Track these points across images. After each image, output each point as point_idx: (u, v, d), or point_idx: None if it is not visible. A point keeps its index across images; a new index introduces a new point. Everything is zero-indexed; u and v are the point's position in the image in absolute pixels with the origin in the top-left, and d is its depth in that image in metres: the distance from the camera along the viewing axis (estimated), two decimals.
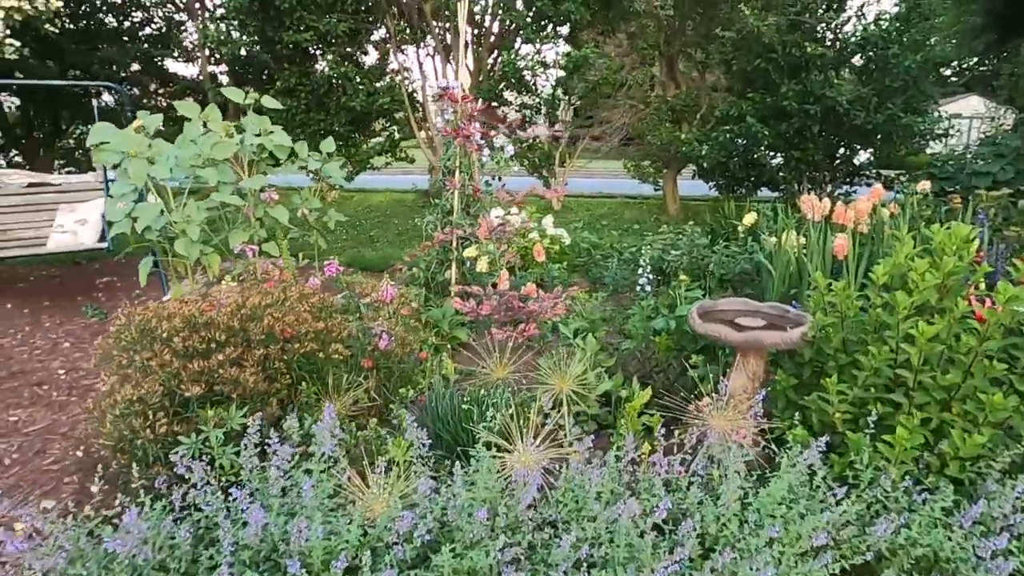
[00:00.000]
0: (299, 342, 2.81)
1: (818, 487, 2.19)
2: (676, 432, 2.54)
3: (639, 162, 10.15)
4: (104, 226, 5.15)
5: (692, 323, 2.89)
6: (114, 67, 11.00)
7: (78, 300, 5.45)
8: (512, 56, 9.12)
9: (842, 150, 8.99)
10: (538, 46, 9.54)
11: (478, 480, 2.06)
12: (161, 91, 12.27)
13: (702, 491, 2.19)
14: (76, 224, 4.93)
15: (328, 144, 4.68)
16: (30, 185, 5.34)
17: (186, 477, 1.96)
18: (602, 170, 14.45)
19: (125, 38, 11.65)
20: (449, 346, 4.29)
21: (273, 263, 4.17)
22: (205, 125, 3.84)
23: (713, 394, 2.72)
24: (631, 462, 2.29)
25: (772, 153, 9.12)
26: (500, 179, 4.94)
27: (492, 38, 10.31)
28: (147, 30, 12.09)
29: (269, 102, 4.09)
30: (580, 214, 10.03)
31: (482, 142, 4.79)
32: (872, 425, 2.29)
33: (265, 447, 2.03)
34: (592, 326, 4.39)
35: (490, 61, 10.23)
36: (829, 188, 9.28)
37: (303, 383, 2.79)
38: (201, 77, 11.11)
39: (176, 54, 11.94)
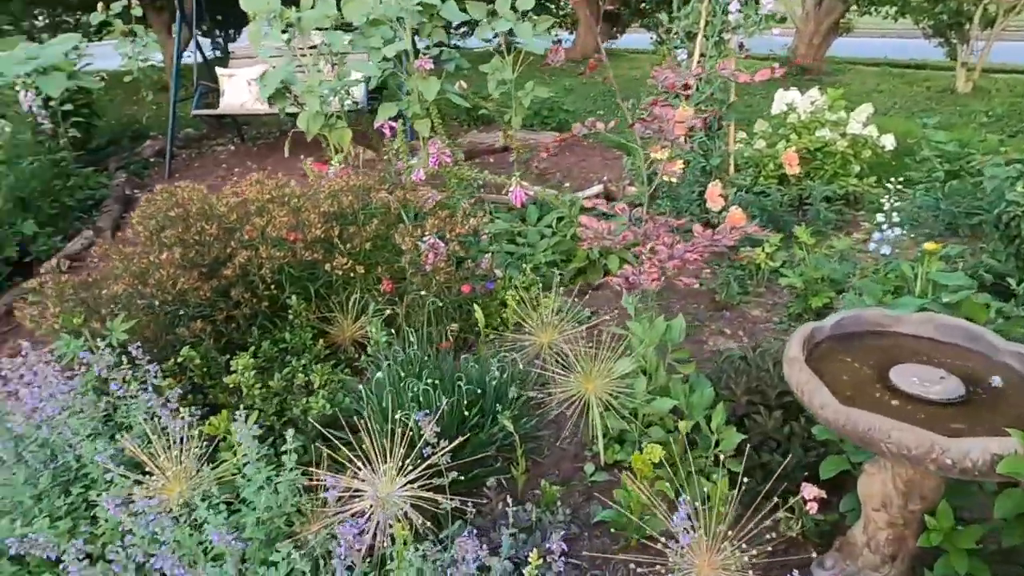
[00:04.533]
0: (291, 249, 2.38)
1: None
2: None
3: None
4: (364, 88, 5.28)
5: (784, 358, 1.49)
6: None
7: None
8: None
9: None
10: None
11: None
12: None
13: None
14: None
15: (527, 0, 3.82)
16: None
17: None
18: None
19: None
20: (601, 272, 3.33)
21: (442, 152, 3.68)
22: None
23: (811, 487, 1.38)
24: None
25: None
26: (742, 47, 3.41)
27: None
28: None
29: None
30: (1000, 99, 6.79)
31: None
32: None
33: None
34: (808, 288, 2.91)
35: None
36: None
37: (294, 299, 2.38)
38: None
39: None
